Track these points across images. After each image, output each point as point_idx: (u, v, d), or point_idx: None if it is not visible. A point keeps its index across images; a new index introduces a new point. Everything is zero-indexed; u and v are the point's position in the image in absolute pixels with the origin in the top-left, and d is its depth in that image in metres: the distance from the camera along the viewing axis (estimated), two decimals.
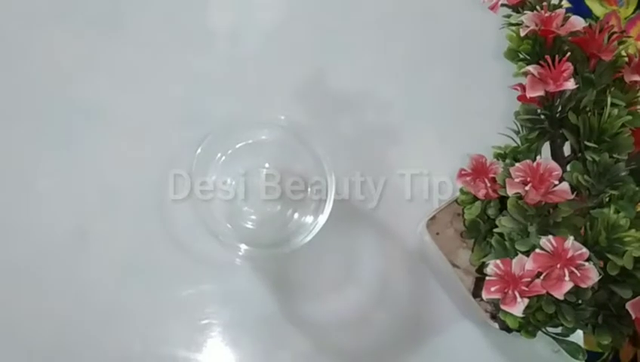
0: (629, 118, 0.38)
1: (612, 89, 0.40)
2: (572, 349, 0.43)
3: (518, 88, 0.40)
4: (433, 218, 0.52)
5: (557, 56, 0.38)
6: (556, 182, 0.37)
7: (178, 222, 0.57)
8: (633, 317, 0.36)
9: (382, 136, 0.61)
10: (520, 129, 0.43)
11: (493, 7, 0.42)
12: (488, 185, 0.42)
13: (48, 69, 0.62)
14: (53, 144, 0.59)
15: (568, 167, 0.40)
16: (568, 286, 0.33)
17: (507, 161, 0.42)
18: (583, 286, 0.34)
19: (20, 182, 0.58)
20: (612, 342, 0.39)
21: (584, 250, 0.34)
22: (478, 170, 0.42)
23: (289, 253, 0.53)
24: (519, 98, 0.41)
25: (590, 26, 0.40)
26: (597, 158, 0.38)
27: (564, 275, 0.34)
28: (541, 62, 0.38)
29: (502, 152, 0.43)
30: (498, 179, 0.40)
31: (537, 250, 0.35)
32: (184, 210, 0.56)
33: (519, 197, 0.38)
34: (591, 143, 0.38)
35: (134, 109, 0.61)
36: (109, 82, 0.62)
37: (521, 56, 0.41)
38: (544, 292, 0.34)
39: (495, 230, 0.40)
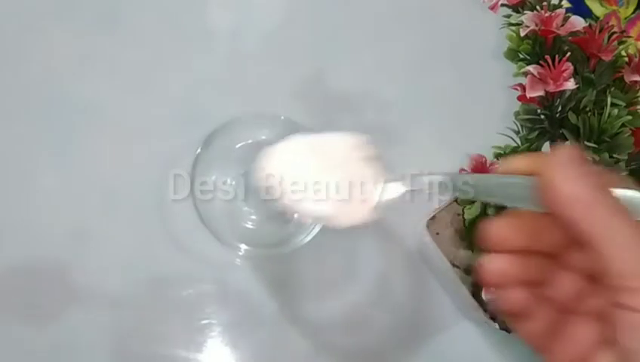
0: (629, 118, 0.38)
1: (612, 89, 0.40)
2: None
3: (518, 88, 0.40)
4: (433, 218, 0.52)
5: (557, 56, 0.38)
6: None
7: (178, 222, 0.57)
8: None
9: (382, 136, 0.61)
10: (520, 129, 0.43)
11: (493, 7, 0.42)
12: None
13: (48, 69, 0.61)
14: (53, 144, 0.59)
15: None
16: None
17: None
18: None
19: (19, 182, 0.58)
20: None
21: None
22: (478, 170, 0.42)
23: (289, 253, 0.53)
24: (519, 98, 0.41)
25: (590, 26, 0.40)
26: (597, 158, 0.38)
27: None
28: (541, 62, 0.38)
29: (502, 152, 0.43)
30: None
31: None
32: (184, 210, 0.56)
33: None
34: (591, 143, 0.38)
35: (134, 109, 0.61)
36: (109, 82, 0.61)
37: (521, 56, 0.41)
38: None
39: None
